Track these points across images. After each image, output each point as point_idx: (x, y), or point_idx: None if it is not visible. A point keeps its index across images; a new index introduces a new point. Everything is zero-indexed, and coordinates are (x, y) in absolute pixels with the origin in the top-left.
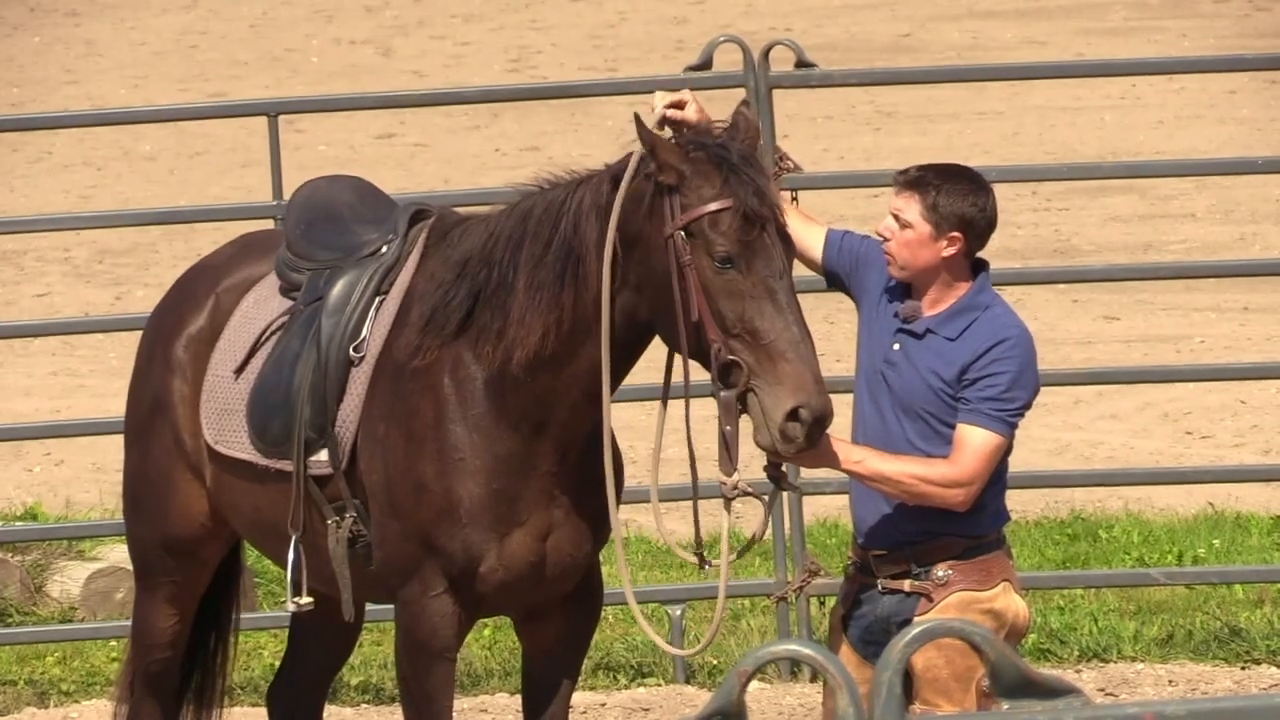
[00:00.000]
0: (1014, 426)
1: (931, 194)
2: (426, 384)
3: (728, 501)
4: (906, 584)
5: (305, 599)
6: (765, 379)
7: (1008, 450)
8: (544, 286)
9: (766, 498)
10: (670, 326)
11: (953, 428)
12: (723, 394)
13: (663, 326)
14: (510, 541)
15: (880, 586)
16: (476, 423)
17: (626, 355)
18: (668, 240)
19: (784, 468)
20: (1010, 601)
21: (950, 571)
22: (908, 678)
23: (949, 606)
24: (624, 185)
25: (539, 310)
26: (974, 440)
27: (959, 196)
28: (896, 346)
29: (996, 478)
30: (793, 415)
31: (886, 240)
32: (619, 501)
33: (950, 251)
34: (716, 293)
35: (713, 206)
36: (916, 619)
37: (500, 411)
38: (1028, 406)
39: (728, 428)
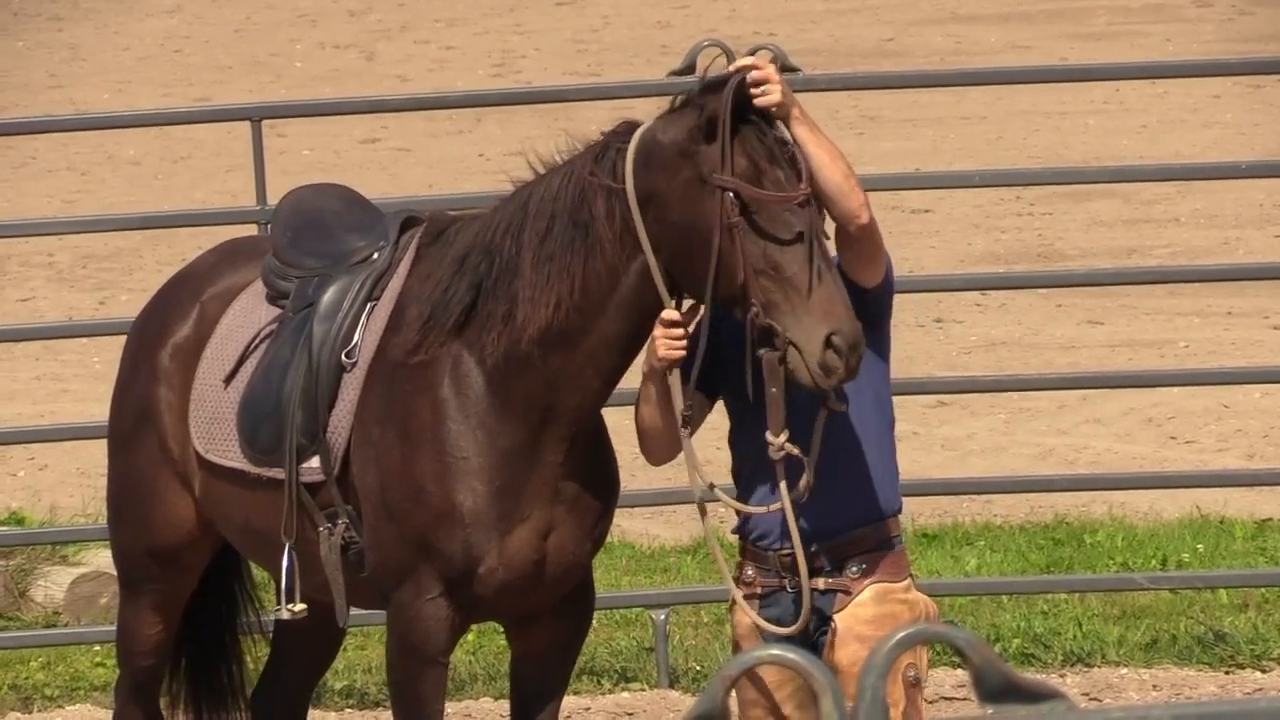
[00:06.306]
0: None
1: None
2: (424, 384)
3: (776, 464)
4: (821, 582)
5: (299, 606)
6: (796, 316)
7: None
8: (553, 258)
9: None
10: (699, 282)
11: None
12: (764, 353)
13: (689, 282)
14: (512, 539)
15: (789, 587)
16: (480, 419)
17: (638, 329)
18: (718, 192)
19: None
20: (918, 595)
21: (863, 565)
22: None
23: (866, 601)
24: (633, 142)
25: (548, 283)
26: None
27: None
28: None
29: (886, 457)
30: (828, 344)
31: None
32: (615, 501)
33: None
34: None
35: (767, 193)
36: (837, 615)
37: (505, 403)
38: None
39: (772, 389)
